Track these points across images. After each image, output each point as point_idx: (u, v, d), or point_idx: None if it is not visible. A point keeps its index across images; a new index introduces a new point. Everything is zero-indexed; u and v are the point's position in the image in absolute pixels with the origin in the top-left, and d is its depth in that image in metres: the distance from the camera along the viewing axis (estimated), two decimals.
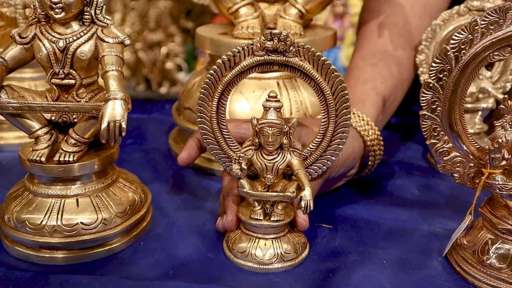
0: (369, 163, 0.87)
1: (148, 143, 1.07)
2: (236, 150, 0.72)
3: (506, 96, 0.66)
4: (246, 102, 0.91)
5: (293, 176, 0.69)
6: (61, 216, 0.68)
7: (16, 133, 1.02)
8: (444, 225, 0.78)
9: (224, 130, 0.72)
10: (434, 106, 0.66)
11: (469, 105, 0.96)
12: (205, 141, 0.72)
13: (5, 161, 0.97)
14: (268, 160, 0.68)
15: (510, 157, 0.64)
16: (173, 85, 2.42)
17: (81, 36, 0.68)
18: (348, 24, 2.79)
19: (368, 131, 0.84)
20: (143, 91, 2.35)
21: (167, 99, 1.37)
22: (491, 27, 0.62)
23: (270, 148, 0.67)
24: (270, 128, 0.66)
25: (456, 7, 0.96)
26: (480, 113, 0.97)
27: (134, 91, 2.32)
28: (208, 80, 0.70)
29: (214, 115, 0.71)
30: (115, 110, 0.63)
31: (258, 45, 0.67)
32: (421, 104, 0.67)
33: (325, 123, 0.70)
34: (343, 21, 2.78)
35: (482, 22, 0.62)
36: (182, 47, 2.59)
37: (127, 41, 0.69)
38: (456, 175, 0.70)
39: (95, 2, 0.67)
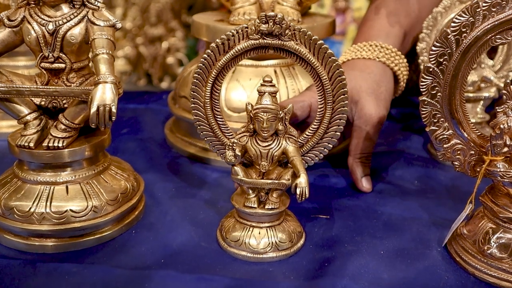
0: (400, 83, 0.91)
1: (143, 133, 1.06)
2: (230, 136, 0.70)
3: (508, 81, 0.63)
4: (242, 90, 0.89)
5: (288, 164, 0.67)
6: (50, 203, 0.66)
7: (10, 121, 1.00)
8: (444, 214, 0.76)
9: (218, 116, 0.70)
10: (434, 92, 0.64)
11: (471, 95, 0.93)
12: (198, 127, 0.71)
13: None
14: (263, 146, 0.66)
15: None
16: (174, 80, 2.40)
17: (71, 19, 0.66)
18: (350, 19, 2.77)
19: (398, 61, 0.89)
20: (144, 86, 2.33)
21: (167, 91, 1.35)
22: (493, 9, 0.60)
23: (265, 134, 0.65)
24: (264, 114, 0.64)
25: None
26: (482, 102, 0.94)
27: (135, 85, 2.31)
28: (201, 64, 0.68)
29: (208, 100, 0.69)
30: (105, 94, 0.61)
31: (253, 28, 0.65)
32: (421, 90, 0.65)
33: (322, 109, 0.68)
34: (345, 16, 2.75)
35: (484, 4, 0.60)
36: (183, 42, 2.58)
37: (119, 25, 0.67)
38: (456, 163, 0.68)
39: None
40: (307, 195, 0.62)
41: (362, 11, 2.74)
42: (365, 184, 0.83)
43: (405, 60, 0.91)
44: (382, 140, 1.01)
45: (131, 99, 1.22)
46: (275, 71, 0.91)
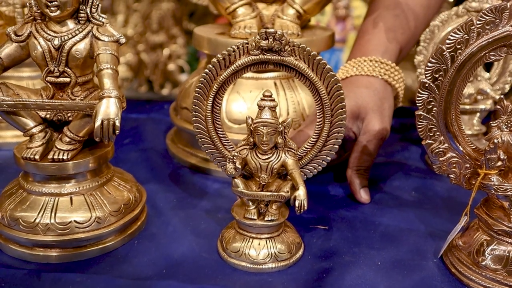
0: (399, 98, 0.94)
1: (145, 143, 1.07)
2: (231, 149, 0.72)
3: (502, 96, 0.65)
4: (243, 102, 0.91)
5: (287, 176, 0.69)
6: (55, 214, 0.67)
7: (14, 132, 1.02)
8: (440, 226, 0.77)
9: (219, 129, 0.71)
10: (430, 106, 0.66)
11: (467, 107, 0.95)
12: (200, 140, 0.72)
13: (2, 159, 0.97)
14: (263, 159, 0.68)
15: (505, 157, 0.63)
16: (175, 86, 2.42)
17: (77, 35, 0.68)
18: (350, 27, 2.79)
19: (398, 77, 0.91)
20: (145, 92, 2.34)
21: (168, 100, 1.37)
22: (487, 27, 0.62)
23: (265, 148, 0.67)
24: (264, 128, 0.66)
25: (454, 8, 0.96)
26: (478, 114, 0.96)
27: (136, 92, 2.32)
28: (203, 79, 0.69)
29: (209, 114, 0.70)
30: (109, 108, 0.63)
31: (253, 44, 0.67)
32: (417, 104, 0.66)
33: (320, 123, 0.70)
34: (345, 23, 2.78)
35: (478, 22, 0.62)
36: (184, 48, 2.59)
37: (122, 40, 0.69)
38: (452, 176, 0.69)
39: (91, 1, 0.67)
40: (305, 208, 0.64)
41: (362, 19, 2.76)
42: (363, 195, 0.84)
43: (402, 75, 0.93)
44: (380, 151, 1.02)
45: (132, 108, 1.23)
46: (275, 84, 0.92)
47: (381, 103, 0.86)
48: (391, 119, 0.88)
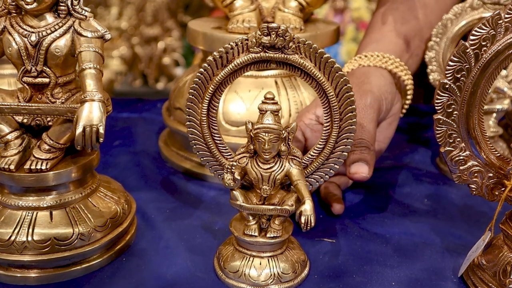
0: (408, 91, 0.87)
1: (136, 145, 1.00)
2: (228, 157, 0.65)
3: None
4: (241, 102, 0.84)
5: (292, 187, 0.62)
6: (33, 230, 0.61)
7: None
8: (457, 239, 0.71)
9: (216, 135, 0.65)
10: (450, 110, 0.59)
11: None
12: (194, 146, 0.65)
13: None
14: (264, 169, 0.61)
15: None
16: (170, 80, 2.35)
17: (56, 30, 0.61)
18: (348, 19, 2.73)
19: (387, 61, 0.85)
20: (139, 86, 2.28)
21: (160, 98, 1.29)
22: None
23: (267, 156, 0.60)
24: (266, 134, 0.59)
25: (469, 0, 0.88)
26: (494, 115, 0.89)
27: (130, 86, 2.26)
28: (197, 79, 0.62)
29: (205, 118, 0.64)
30: (92, 113, 0.56)
31: (254, 40, 0.60)
32: (436, 108, 0.59)
33: (328, 127, 0.63)
34: (344, 16, 2.71)
35: (506, 16, 0.55)
36: (179, 42, 2.53)
37: (108, 36, 0.62)
38: (473, 186, 0.63)
39: None
40: (312, 224, 0.57)
41: (360, 11, 2.70)
42: (353, 169, 0.72)
43: (396, 59, 0.86)
44: (388, 154, 0.96)
45: (123, 107, 1.17)
46: (276, 82, 0.86)
47: (360, 82, 0.81)
48: (373, 94, 0.79)
